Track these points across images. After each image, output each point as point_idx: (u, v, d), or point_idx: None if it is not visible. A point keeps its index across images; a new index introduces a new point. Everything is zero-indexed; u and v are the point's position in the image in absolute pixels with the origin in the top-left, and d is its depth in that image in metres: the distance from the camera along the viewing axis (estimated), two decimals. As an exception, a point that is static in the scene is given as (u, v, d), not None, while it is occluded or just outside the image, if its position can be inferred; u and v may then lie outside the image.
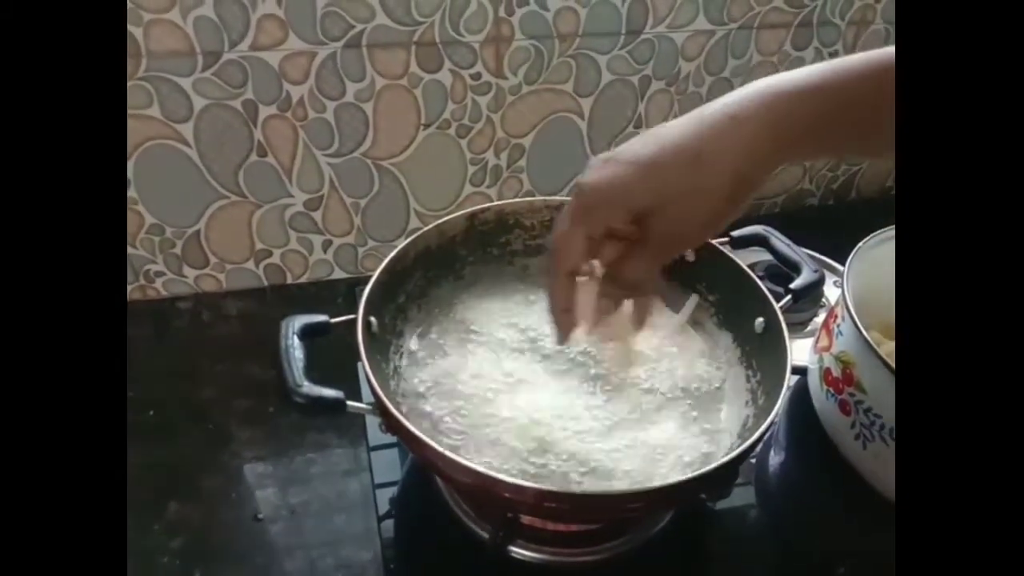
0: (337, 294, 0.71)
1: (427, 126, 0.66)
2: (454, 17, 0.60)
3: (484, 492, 0.39)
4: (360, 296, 0.47)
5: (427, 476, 0.53)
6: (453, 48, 0.62)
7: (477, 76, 0.64)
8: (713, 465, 0.39)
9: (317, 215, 0.68)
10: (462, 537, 0.49)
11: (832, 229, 0.64)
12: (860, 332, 0.48)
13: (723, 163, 0.33)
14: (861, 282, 0.53)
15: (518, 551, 0.47)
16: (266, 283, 0.71)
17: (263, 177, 0.64)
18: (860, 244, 0.54)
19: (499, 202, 0.57)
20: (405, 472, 0.55)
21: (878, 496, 0.51)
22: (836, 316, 0.53)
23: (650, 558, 0.49)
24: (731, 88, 0.77)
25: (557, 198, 0.60)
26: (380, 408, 0.41)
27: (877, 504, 0.50)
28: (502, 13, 0.61)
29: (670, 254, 0.37)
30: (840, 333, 0.52)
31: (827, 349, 0.53)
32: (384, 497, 0.53)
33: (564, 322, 0.40)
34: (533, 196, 0.70)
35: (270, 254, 0.69)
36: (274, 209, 0.67)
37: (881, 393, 0.48)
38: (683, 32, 0.67)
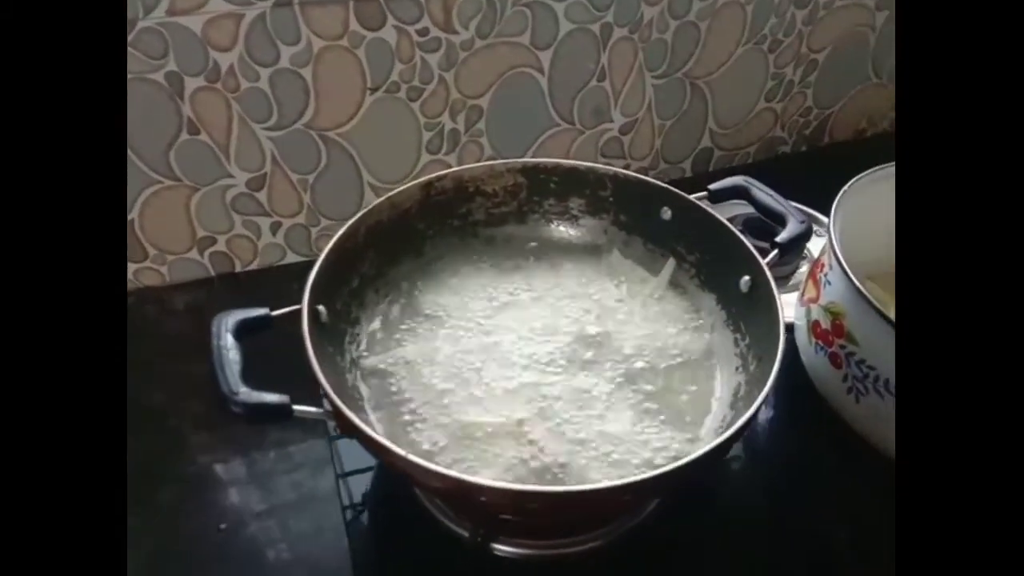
0: (292, 279, 0.67)
1: (374, 90, 0.60)
2: (394, -33, 0.55)
3: (458, 496, 0.36)
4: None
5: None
6: (396, 2, 0.57)
7: (424, 32, 0.59)
8: (704, 449, 0.36)
9: (262, 195, 0.63)
10: (439, 533, 0.46)
11: (808, 177, 0.61)
12: (851, 280, 0.45)
13: None
14: (847, 227, 0.50)
15: (499, 547, 0.44)
16: (213, 272, 0.66)
17: (197, 157, 0.59)
18: (845, 188, 0.51)
19: (456, 168, 0.53)
20: (378, 465, 0.51)
21: (872, 451, 0.48)
22: (823, 265, 0.50)
23: (642, 539, 0.46)
24: (698, 33, 0.72)
25: (520, 160, 0.56)
26: (333, 411, 0.37)
27: (872, 460, 0.48)
28: (447, -40, 0.56)
29: None
30: (828, 283, 0.49)
31: (815, 300, 0.51)
32: (355, 492, 0.49)
33: None
34: (495, 160, 0.66)
35: (214, 241, 0.64)
36: (213, 192, 0.61)
37: (874, 343, 0.46)
38: (644, -28, 0.63)
